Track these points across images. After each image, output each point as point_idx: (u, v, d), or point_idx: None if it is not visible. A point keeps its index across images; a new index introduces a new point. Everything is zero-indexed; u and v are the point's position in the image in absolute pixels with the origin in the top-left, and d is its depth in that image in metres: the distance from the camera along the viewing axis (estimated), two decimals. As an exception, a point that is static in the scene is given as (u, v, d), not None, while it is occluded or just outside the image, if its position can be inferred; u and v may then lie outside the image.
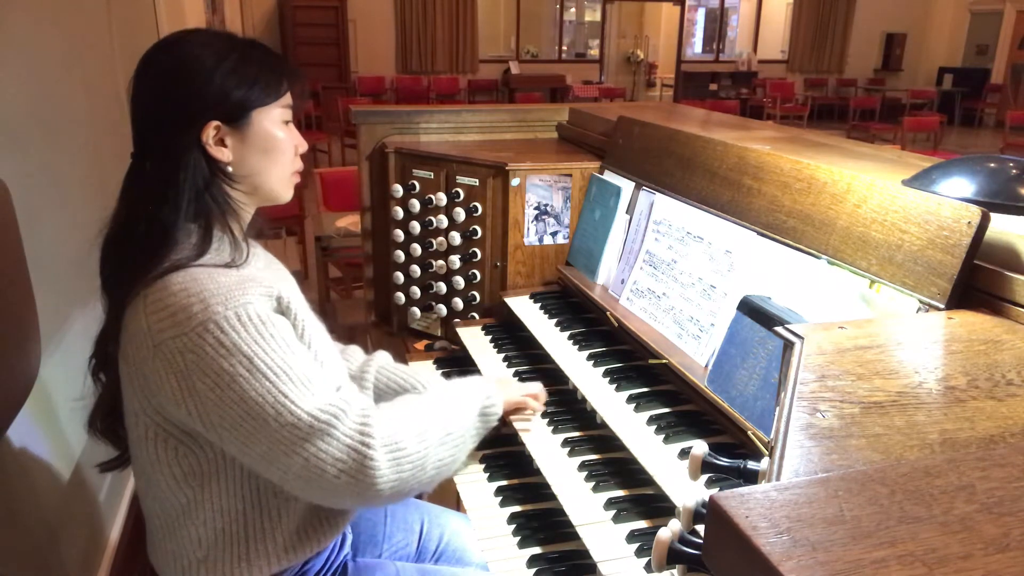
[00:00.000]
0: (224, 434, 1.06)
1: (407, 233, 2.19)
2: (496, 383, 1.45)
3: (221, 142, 1.15)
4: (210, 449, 1.12)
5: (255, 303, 1.06)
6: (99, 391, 1.23)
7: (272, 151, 1.20)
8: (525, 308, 1.97)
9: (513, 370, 1.81)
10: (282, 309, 1.12)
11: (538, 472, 1.46)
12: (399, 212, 2.19)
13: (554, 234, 2.10)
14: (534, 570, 1.31)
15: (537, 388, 1.60)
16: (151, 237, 1.09)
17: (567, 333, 1.80)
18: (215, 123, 1.13)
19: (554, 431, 1.54)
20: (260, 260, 1.22)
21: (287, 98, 1.22)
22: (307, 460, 1.05)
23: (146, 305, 1.05)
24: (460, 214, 2.09)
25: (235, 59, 1.15)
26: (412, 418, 1.19)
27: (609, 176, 2.00)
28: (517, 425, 1.55)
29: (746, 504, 0.55)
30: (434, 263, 2.16)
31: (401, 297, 2.25)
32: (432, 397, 1.32)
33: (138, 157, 1.15)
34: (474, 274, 2.12)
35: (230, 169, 1.16)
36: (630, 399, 1.48)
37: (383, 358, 1.54)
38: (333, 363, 1.24)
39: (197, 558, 1.16)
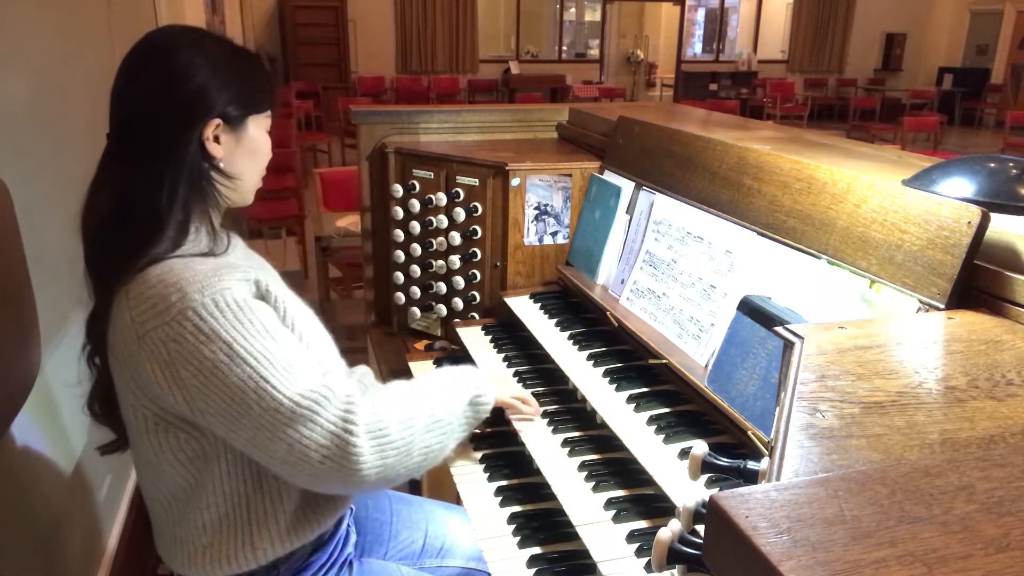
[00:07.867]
0: (212, 420, 1.07)
1: (407, 233, 2.19)
2: (488, 377, 1.45)
3: (216, 139, 1.17)
4: (210, 433, 1.13)
5: (233, 288, 1.07)
6: (95, 375, 1.25)
7: (256, 155, 1.25)
8: (525, 308, 1.97)
9: (513, 370, 1.81)
10: (261, 293, 1.13)
11: (538, 472, 1.46)
12: (399, 212, 2.19)
13: (554, 234, 2.10)
14: (534, 570, 1.31)
15: (527, 395, 1.59)
16: (146, 223, 1.11)
17: (567, 333, 1.80)
18: (217, 121, 1.16)
19: (554, 431, 1.54)
20: (239, 251, 1.24)
21: (274, 108, 1.28)
22: (291, 446, 1.06)
23: (128, 300, 1.07)
24: (460, 214, 2.09)
25: (238, 63, 1.20)
26: (399, 404, 1.19)
27: (609, 176, 2.00)
28: (517, 425, 1.55)
29: (746, 504, 0.55)
30: (434, 263, 2.16)
31: (401, 297, 2.25)
32: (421, 384, 1.32)
33: (122, 141, 1.16)
34: (474, 274, 2.12)
35: (221, 165, 1.19)
36: (630, 399, 1.49)
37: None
38: (323, 344, 1.26)
39: (202, 544, 1.18)
